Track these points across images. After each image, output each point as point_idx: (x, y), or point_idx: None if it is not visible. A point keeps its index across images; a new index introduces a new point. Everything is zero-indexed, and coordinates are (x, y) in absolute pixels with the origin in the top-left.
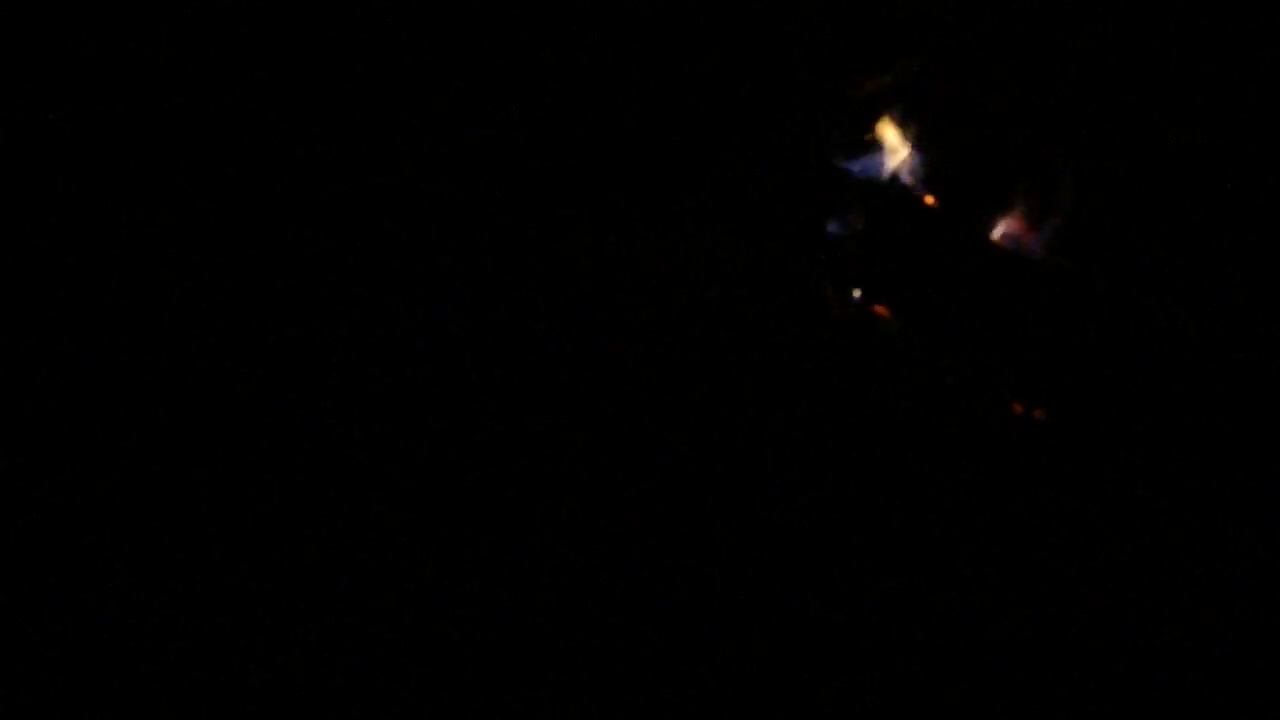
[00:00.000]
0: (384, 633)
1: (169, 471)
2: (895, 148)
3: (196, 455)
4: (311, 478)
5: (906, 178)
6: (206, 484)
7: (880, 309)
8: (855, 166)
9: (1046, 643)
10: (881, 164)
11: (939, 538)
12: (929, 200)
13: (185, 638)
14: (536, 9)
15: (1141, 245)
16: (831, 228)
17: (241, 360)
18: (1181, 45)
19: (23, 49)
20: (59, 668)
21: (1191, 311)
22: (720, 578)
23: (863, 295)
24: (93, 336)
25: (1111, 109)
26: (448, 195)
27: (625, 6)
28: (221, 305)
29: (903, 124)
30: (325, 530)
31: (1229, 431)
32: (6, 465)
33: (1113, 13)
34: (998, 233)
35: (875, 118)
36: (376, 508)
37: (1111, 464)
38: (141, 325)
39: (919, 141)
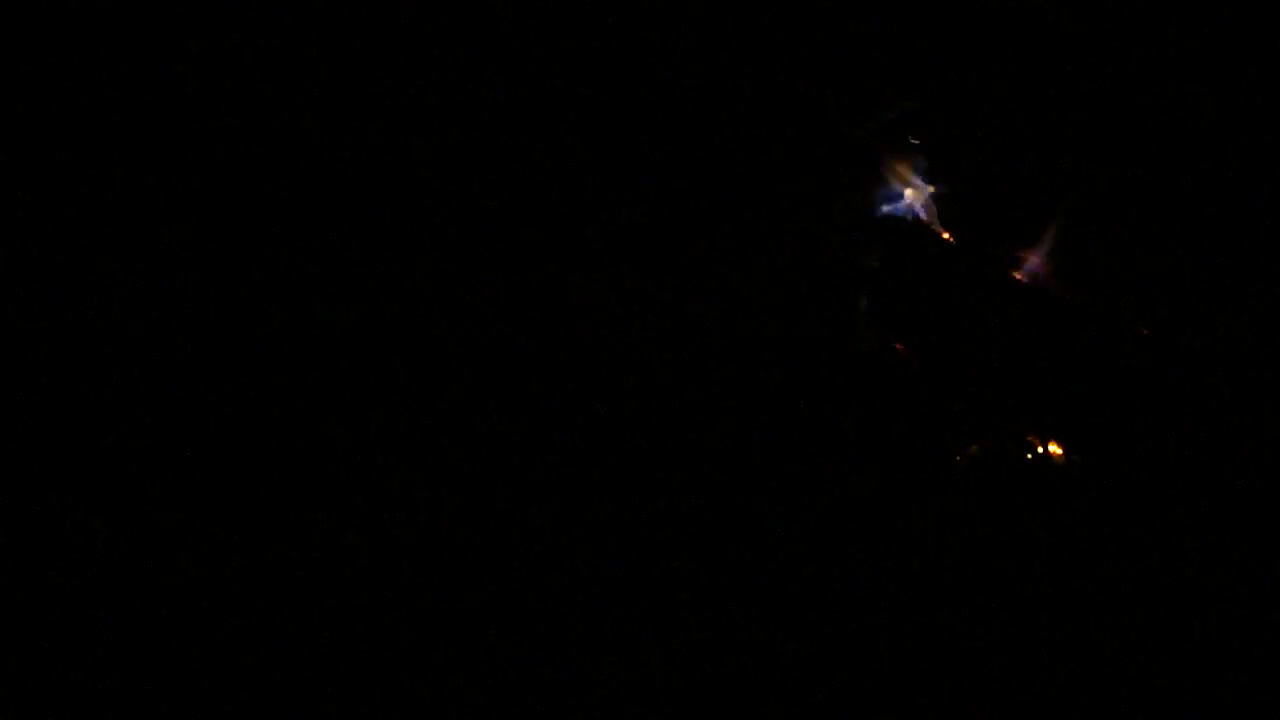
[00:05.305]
0: (382, 632)
1: (167, 471)
2: (913, 185)
3: (194, 453)
4: (310, 478)
5: (924, 214)
6: (205, 483)
7: (899, 345)
8: (873, 204)
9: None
10: (899, 201)
11: (956, 569)
12: (946, 236)
13: (184, 637)
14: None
15: (1161, 278)
16: (851, 264)
17: (240, 361)
18: (1197, 72)
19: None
20: (59, 668)
21: (1213, 345)
22: (739, 626)
23: (882, 332)
24: (92, 335)
25: (1133, 144)
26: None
27: (644, 45)
28: (220, 305)
29: (920, 160)
30: (323, 530)
31: (1253, 470)
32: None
33: (1126, 45)
34: (1016, 268)
35: (892, 155)
36: (374, 508)
37: (1131, 498)
38: (140, 324)
39: (936, 178)
